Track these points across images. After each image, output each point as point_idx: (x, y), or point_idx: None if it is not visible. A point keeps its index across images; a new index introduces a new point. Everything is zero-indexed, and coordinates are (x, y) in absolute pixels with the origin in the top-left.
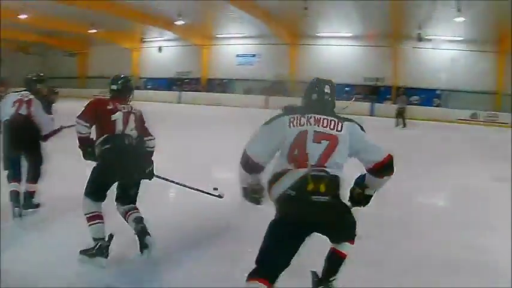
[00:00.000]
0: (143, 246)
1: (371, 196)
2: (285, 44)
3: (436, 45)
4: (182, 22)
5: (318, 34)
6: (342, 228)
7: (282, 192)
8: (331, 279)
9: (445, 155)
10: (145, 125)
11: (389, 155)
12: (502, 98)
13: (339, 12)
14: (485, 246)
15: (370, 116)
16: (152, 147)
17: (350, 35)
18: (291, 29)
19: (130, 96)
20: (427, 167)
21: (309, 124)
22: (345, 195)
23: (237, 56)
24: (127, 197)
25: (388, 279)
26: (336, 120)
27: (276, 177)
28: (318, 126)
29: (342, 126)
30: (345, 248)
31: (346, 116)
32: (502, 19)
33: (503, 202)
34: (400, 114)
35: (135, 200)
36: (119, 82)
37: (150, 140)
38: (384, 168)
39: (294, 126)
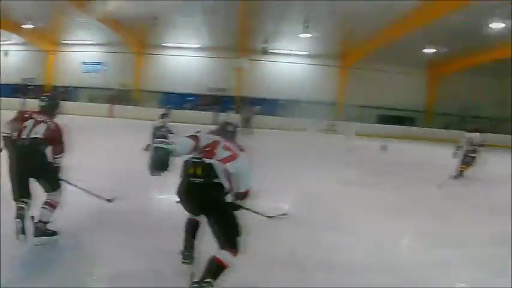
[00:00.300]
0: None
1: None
2: (132, 53)
3: (280, 58)
4: (31, 26)
5: (165, 44)
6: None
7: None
8: (205, 280)
9: (292, 161)
10: (59, 137)
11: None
12: (342, 108)
13: (188, 24)
14: (332, 245)
15: (214, 125)
16: (58, 164)
17: (197, 46)
18: (139, 38)
19: (56, 111)
20: (275, 171)
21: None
22: None
23: (83, 63)
24: (44, 188)
25: (242, 280)
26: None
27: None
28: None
29: (241, 153)
30: (224, 256)
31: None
32: (346, 36)
33: (348, 204)
34: (247, 123)
35: (51, 190)
36: (45, 99)
37: (58, 158)
38: (240, 195)
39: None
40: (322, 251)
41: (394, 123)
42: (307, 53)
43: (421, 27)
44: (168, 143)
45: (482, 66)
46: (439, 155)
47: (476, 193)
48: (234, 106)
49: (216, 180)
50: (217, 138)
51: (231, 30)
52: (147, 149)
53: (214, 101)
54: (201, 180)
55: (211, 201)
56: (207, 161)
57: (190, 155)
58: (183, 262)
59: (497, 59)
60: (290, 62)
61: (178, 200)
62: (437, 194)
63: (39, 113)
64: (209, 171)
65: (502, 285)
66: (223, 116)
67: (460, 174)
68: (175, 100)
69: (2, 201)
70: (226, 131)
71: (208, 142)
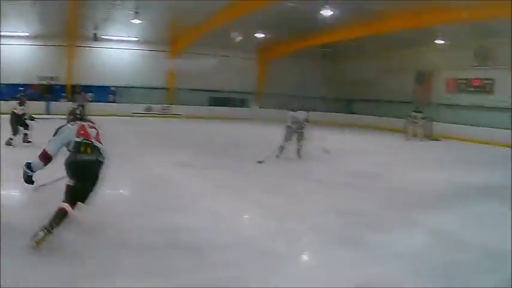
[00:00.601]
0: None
1: None
2: None
3: (111, 45)
4: None
5: None
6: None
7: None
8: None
9: (130, 146)
10: None
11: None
12: (173, 92)
13: (16, 12)
14: (180, 226)
15: (47, 114)
16: None
17: (26, 34)
18: None
19: None
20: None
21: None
22: None
23: None
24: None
25: (90, 269)
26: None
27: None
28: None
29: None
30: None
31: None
32: (176, 22)
33: (187, 185)
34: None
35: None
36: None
37: None
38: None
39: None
40: (171, 233)
41: (226, 106)
42: (138, 39)
43: (252, 12)
44: (29, 171)
45: (312, 50)
46: (272, 134)
47: (312, 168)
48: (66, 94)
49: (100, 158)
50: (79, 123)
51: (61, 17)
52: (8, 142)
53: (46, 90)
54: (91, 157)
55: (96, 173)
56: (95, 143)
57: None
58: None
59: (326, 43)
60: (121, 48)
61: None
62: (276, 171)
63: None
64: (96, 150)
65: (343, 253)
66: (55, 105)
67: (281, 151)
68: (7, 91)
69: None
70: (77, 115)
71: (76, 128)
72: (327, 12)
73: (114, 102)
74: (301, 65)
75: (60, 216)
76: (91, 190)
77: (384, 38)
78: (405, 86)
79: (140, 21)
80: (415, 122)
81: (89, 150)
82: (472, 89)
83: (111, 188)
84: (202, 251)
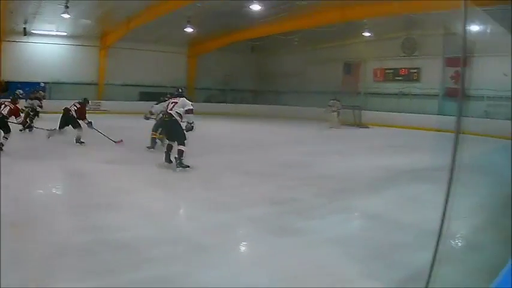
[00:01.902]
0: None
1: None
2: None
3: (41, 40)
4: None
5: None
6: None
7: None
8: (181, 158)
9: (55, 144)
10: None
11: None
12: (103, 88)
13: None
14: (112, 224)
15: None
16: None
17: None
18: None
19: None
20: (34, 155)
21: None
22: None
23: None
24: None
25: (23, 273)
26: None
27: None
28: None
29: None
30: (179, 147)
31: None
32: (105, 17)
33: (116, 182)
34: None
35: None
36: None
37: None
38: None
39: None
40: (103, 232)
41: (156, 100)
42: (68, 34)
43: (181, 7)
44: None
45: (241, 44)
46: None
47: (242, 160)
48: None
49: None
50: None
51: None
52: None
53: None
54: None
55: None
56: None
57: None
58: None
59: (255, 37)
60: (51, 43)
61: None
62: (207, 164)
63: None
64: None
65: (279, 242)
66: None
67: (153, 144)
68: None
69: None
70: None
71: None
72: (255, 7)
73: (44, 98)
74: (230, 58)
75: None
76: None
77: (312, 31)
78: (334, 77)
79: (70, 16)
80: (333, 111)
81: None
82: (400, 78)
83: (40, 188)
84: (135, 248)
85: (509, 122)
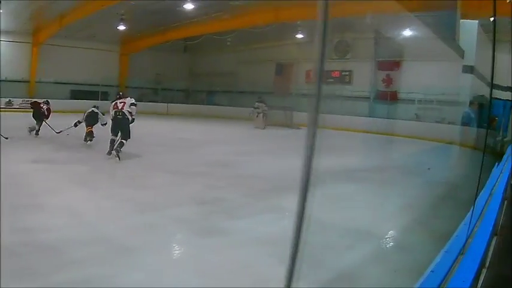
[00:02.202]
0: None
1: None
2: None
3: None
4: None
5: None
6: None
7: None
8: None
9: None
10: None
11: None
12: (35, 86)
13: None
14: (39, 226)
15: None
16: None
17: None
18: None
19: None
20: None
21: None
22: None
23: None
24: None
25: None
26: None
27: None
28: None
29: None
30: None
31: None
32: (37, 13)
33: (41, 182)
34: None
35: None
36: None
37: None
38: None
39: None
40: (27, 233)
41: (87, 99)
42: None
43: (114, 4)
44: None
45: (174, 43)
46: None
47: (170, 159)
48: None
49: None
50: None
51: None
52: None
53: None
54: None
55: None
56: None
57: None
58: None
59: (188, 36)
60: None
61: None
62: (134, 164)
63: None
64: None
65: (205, 242)
66: None
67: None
68: None
69: None
70: None
71: None
72: (188, 6)
73: None
74: (163, 57)
75: None
76: None
77: (245, 31)
78: (266, 77)
79: (1, 11)
80: (258, 113)
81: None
82: (332, 80)
83: None
84: (59, 250)
85: (438, 124)
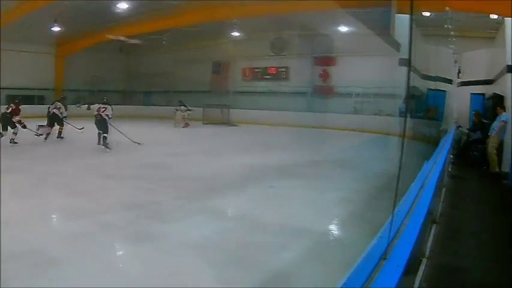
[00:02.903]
0: None
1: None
2: None
3: None
4: None
5: None
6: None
7: None
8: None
9: None
10: None
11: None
12: None
13: None
14: None
15: None
16: None
17: None
18: None
19: None
20: None
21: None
22: None
23: None
24: None
25: None
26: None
27: None
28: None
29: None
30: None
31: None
32: None
33: None
34: None
35: None
36: None
37: None
38: None
39: None
40: None
41: (24, 103)
42: None
43: (48, 4)
44: None
45: (110, 43)
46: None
47: (105, 163)
48: None
49: None
50: None
51: None
52: None
53: None
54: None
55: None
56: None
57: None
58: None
59: (123, 37)
60: None
61: None
62: (68, 169)
63: None
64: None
65: (133, 249)
66: None
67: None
68: None
69: None
70: None
71: None
72: (122, 5)
73: None
74: (99, 58)
75: None
76: None
77: (181, 30)
78: (203, 76)
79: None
80: (182, 113)
81: None
82: (268, 77)
83: None
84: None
85: (376, 117)
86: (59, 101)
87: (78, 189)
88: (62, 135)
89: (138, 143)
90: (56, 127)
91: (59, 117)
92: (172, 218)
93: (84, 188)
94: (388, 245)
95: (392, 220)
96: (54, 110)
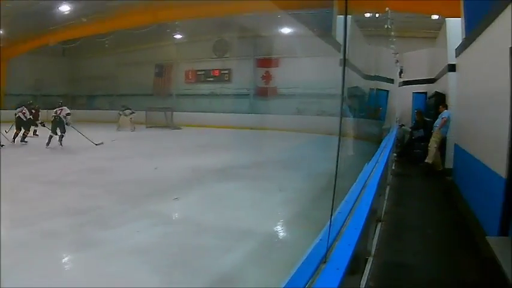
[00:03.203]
0: None
1: None
2: None
3: None
4: None
5: None
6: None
7: None
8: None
9: None
10: None
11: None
12: None
13: None
14: None
15: None
16: None
17: None
18: None
19: None
20: None
21: None
22: None
23: None
24: None
25: None
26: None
27: None
28: None
29: None
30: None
31: None
32: None
33: None
34: None
35: None
36: None
37: None
38: None
39: None
40: None
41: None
42: None
43: None
44: None
45: (52, 47)
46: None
47: (45, 169)
48: None
49: None
50: None
51: None
52: None
53: None
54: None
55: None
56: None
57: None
58: None
59: (66, 39)
60: None
61: None
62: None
63: None
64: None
65: (76, 257)
66: None
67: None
68: None
69: None
70: None
71: None
72: (64, 8)
73: None
74: (41, 62)
75: None
76: None
77: (123, 33)
78: (146, 79)
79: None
80: (126, 116)
81: None
82: (211, 79)
83: None
84: None
85: (319, 117)
86: (26, 106)
87: (18, 197)
88: (25, 140)
89: (101, 143)
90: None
91: (23, 120)
92: (115, 223)
93: (25, 195)
94: (328, 248)
95: (330, 223)
96: (19, 114)
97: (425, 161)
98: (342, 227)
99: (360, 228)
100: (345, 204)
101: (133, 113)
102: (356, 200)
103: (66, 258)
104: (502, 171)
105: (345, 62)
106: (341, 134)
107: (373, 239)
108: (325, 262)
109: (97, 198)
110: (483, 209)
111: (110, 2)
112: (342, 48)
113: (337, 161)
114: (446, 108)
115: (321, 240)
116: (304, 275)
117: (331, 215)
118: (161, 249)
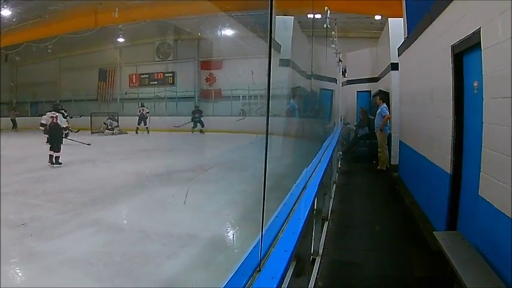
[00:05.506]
0: None
1: None
2: None
3: None
4: None
5: None
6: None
7: None
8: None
9: None
10: None
11: None
12: None
13: None
14: None
15: None
16: None
17: None
18: None
19: None
20: None
21: None
22: None
23: None
24: None
25: None
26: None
27: None
28: None
29: None
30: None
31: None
32: None
33: None
34: None
35: None
36: None
37: None
38: None
39: None
40: None
41: None
42: None
43: None
44: None
45: None
46: None
47: None
48: None
49: None
50: None
51: None
52: None
53: None
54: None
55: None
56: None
57: None
58: None
59: (7, 45)
60: None
61: None
62: None
63: None
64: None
65: (16, 271)
66: None
67: None
68: None
69: None
70: None
71: None
72: (5, 12)
73: None
74: None
75: None
76: None
77: (65, 37)
78: (90, 84)
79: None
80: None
81: None
82: (155, 82)
83: None
84: None
85: (263, 118)
86: None
87: None
88: None
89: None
90: None
91: None
92: (57, 234)
93: None
94: (262, 255)
95: (262, 229)
96: None
97: (378, 167)
98: (278, 232)
99: (298, 233)
100: (284, 207)
101: (117, 126)
102: (295, 202)
103: (7, 273)
104: (446, 166)
105: (270, 63)
106: (288, 134)
107: (320, 238)
108: (259, 271)
109: (38, 208)
110: (430, 204)
111: (52, 5)
112: (287, 50)
113: (265, 163)
114: (383, 102)
115: (255, 247)
116: (237, 285)
117: (262, 224)
118: (104, 258)
